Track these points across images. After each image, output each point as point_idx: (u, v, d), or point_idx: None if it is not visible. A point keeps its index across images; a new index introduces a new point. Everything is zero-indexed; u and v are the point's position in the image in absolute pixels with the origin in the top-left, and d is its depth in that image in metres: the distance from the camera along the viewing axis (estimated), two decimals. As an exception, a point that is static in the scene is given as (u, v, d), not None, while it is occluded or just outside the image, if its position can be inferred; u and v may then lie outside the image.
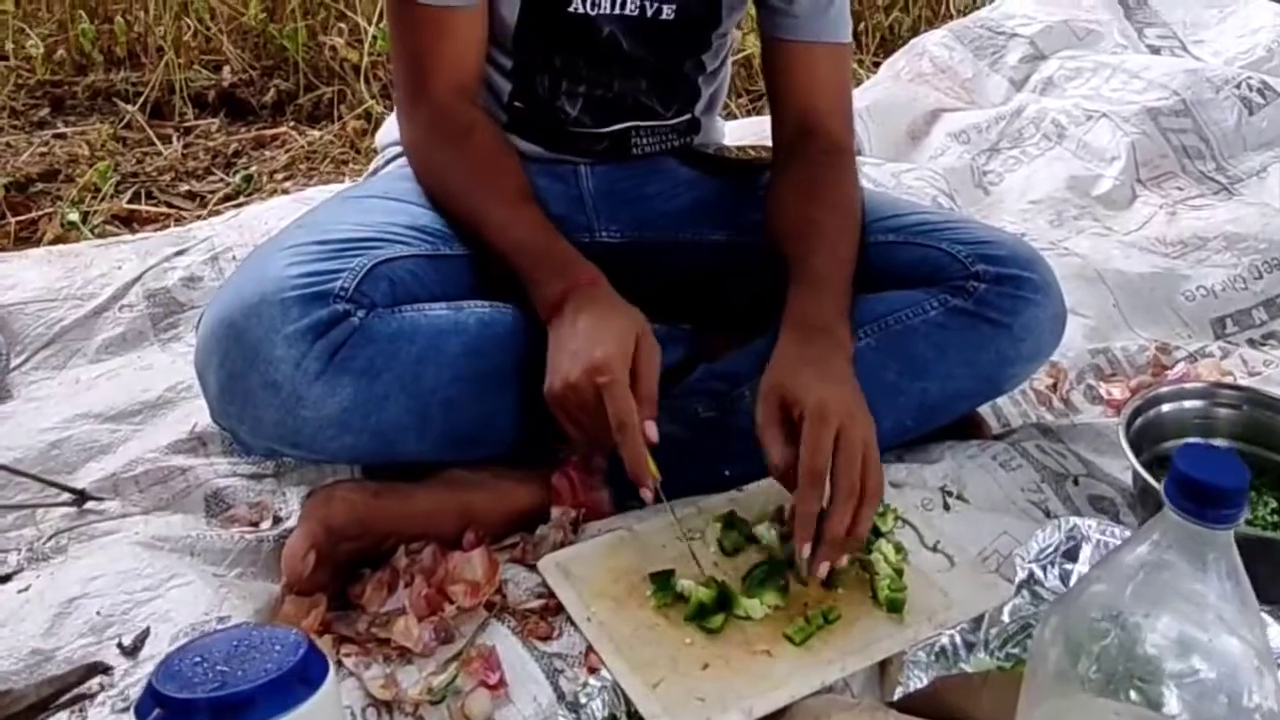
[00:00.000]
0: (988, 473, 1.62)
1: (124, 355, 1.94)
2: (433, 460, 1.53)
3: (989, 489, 1.60)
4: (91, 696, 1.27)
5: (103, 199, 2.68)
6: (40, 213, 2.64)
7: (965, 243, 1.62)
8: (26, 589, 1.41)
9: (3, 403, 1.82)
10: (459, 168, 1.61)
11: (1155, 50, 3.00)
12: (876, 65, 3.34)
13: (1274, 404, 1.65)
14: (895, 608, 1.35)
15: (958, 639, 1.30)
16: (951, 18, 3.57)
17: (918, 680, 1.26)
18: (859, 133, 2.69)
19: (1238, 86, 2.67)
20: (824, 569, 1.34)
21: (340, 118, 3.17)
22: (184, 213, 2.70)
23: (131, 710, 0.97)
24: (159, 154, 2.96)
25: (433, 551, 1.42)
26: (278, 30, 3.37)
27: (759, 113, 3.03)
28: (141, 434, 1.72)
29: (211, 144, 3.05)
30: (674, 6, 1.66)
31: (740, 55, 3.27)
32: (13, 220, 2.59)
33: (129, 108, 3.14)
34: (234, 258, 2.08)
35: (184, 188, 2.84)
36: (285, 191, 2.71)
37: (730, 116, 3.05)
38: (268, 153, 3.03)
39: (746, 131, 2.58)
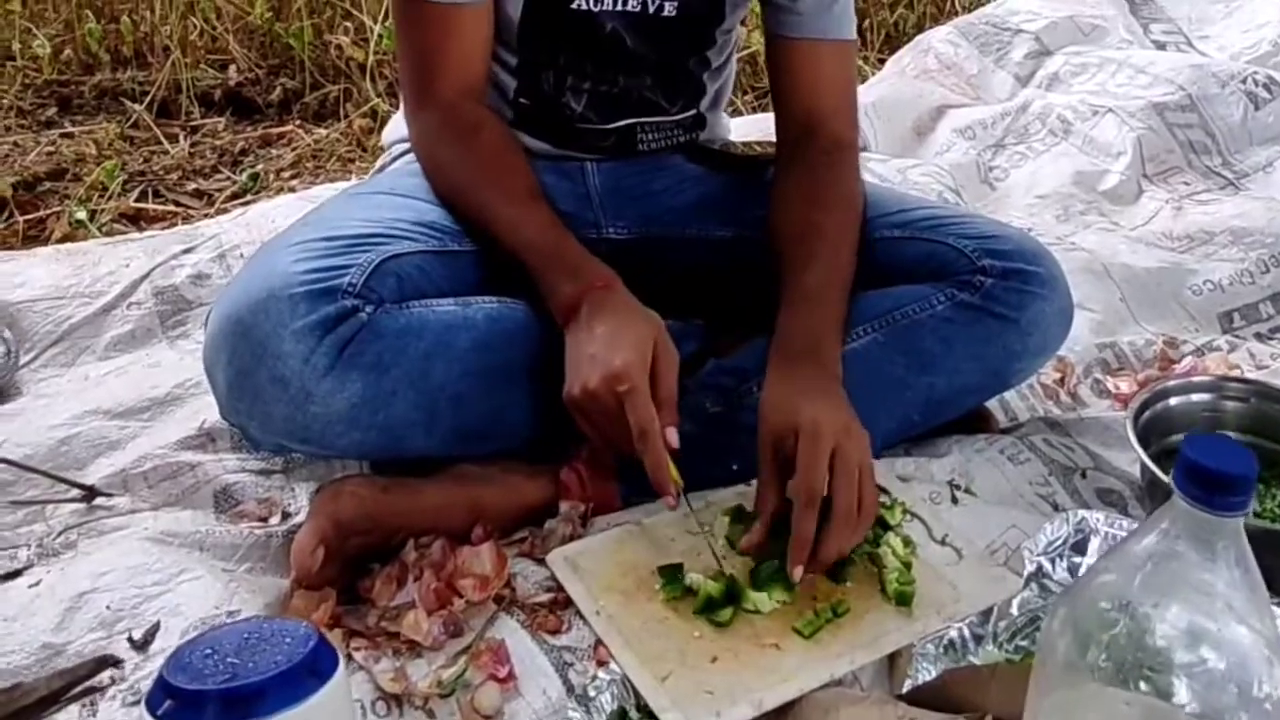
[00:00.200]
0: (995, 466, 1.62)
1: (132, 352, 1.95)
2: (441, 456, 1.53)
3: (997, 483, 1.60)
4: (102, 690, 1.27)
5: (110, 198, 2.68)
6: (48, 211, 2.64)
7: (972, 237, 1.62)
8: (37, 584, 1.41)
9: (12, 400, 1.82)
10: (467, 165, 1.62)
11: (1161, 46, 3.01)
12: (881, 62, 3.33)
13: (1282, 397, 1.65)
14: (904, 601, 1.35)
15: (966, 632, 1.30)
16: (956, 14, 3.57)
17: (926, 673, 1.26)
18: (864, 129, 2.70)
19: (1244, 82, 2.67)
20: (799, 574, 1.34)
21: (346, 116, 3.18)
22: (191, 211, 2.70)
23: (142, 703, 0.97)
24: (166, 153, 2.96)
25: (442, 546, 1.43)
26: (284, 29, 3.37)
27: (765, 110, 3.02)
28: (150, 430, 1.73)
29: (218, 143, 3.05)
30: (676, 3, 1.66)
31: (745, 53, 3.27)
32: (20, 219, 2.59)
33: (136, 107, 3.14)
34: (241, 255, 2.08)
35: (191, 186, 2.84)
36: (292, 190, 2.72)
37: (736, 114, 3.05)
38: (274, 151, 3.04)
39: (752, 128, 2.58)
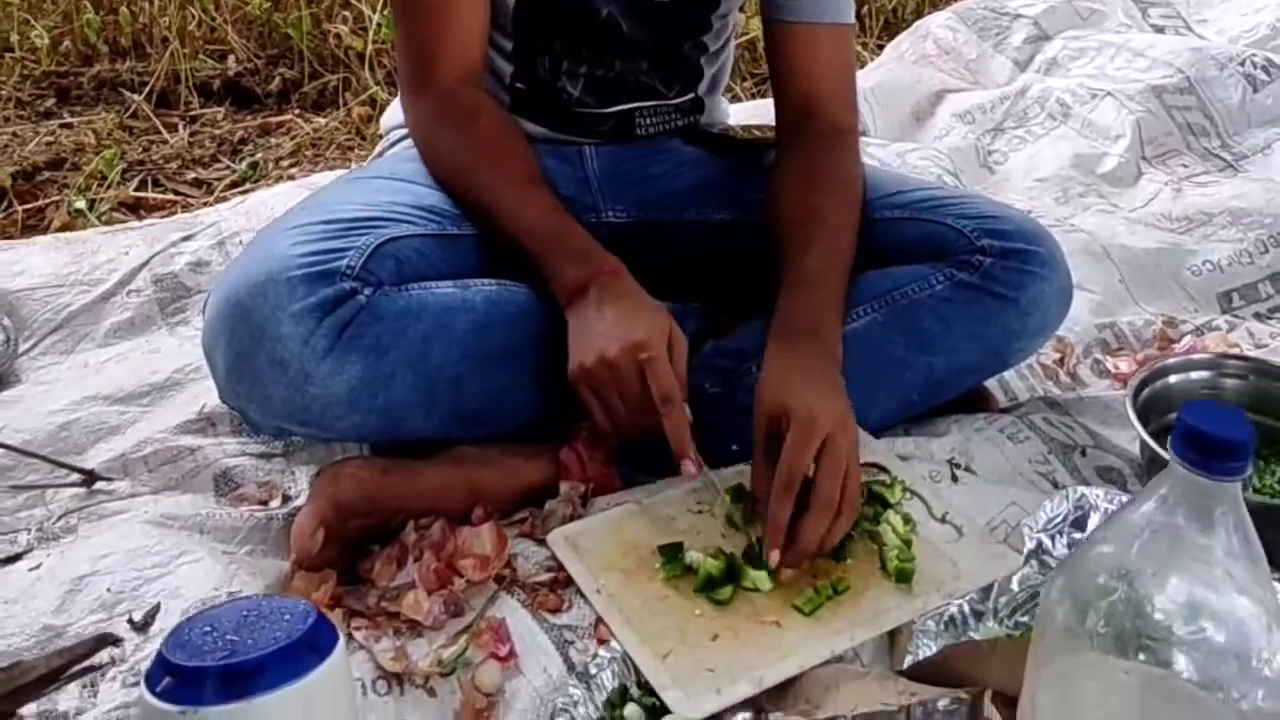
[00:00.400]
0: (995, 445, 1.62)
1: (132, 339, 1.95)
2: (441, 438, 1.54)
3: (996, 461, 1.60)
4: (103, 671, 1.27)
5: (109, 187, 2.68)
6: (47, 201, 2.64)
7: (971, 218, 1.62)
8: (37, 567, 1.42)
9: (12, 387, 1.82)
10: (468, 150, 1.62)
11: (1159, 29, 3.00)
12: (880, 48, 3.33)
13: (1281, 374, 1.65)
14: (904, 578, 1.36)
15: (966, 608, 1.31)
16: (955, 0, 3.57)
17: (927, 649, 1.26)
18: (864, 114, 2.69)
19: (1242, 64, 2.67)
20: (775, 557, 1.34)
21: (345, 105, 3.17)
22: (190, 200, 2.70)
23: (141, 680, 0.97)
24: (165, 142, 2.96)
25: (442, 526, 1.43)
26: (282, 19, 3.37)
27: (764, 96, 3.02)
28: (150, 415, 1.73)
29: (217, 132, 3.05)
30: None
31: (744, 38, 3.27)
32: (20, 209, 2.59)
33: (135, 97, 3.13)
34: (241, 242, 2.08)
35: (190, 175, 2.84)
36: (291, 178, 2.71)
37: (735, 100, 3.05)
38: (273, 140, 3.03)
39: (752, 114, 2.58)
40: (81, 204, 2.58)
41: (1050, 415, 1.69)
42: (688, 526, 1.44)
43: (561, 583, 1.38)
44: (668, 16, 1.70)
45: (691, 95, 1.81)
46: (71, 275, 2.02)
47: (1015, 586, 1.33)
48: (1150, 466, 1.54)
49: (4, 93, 3.16)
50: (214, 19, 3.43)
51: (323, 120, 3.12)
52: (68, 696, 1.25)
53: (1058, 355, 1.90)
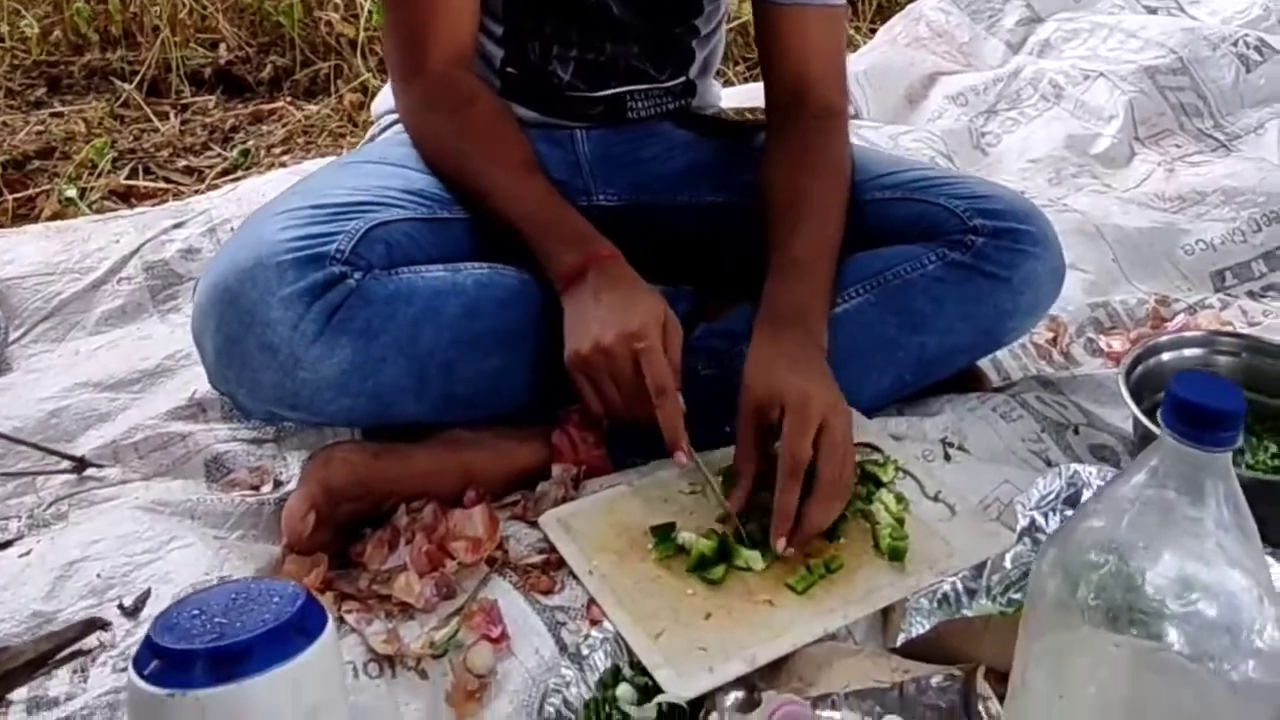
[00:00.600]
0: (988, 424, 1.62)
1: (123, 327, 1.95)
2: (433, 422, 1.53)
3: (989, 440, 1.60)
4: (93, 656, 1.27)
5: (100, 175, 2.67)
6: (38, 190, 2.63)
7: (963, 197, 1.62)
8: (27, 554, 1.42)
9: (2, 375, 1.82)
10: (462, 136, 1.61)
11: (1152, 10, 2.99)
12: (873, 31, 3.32)
13: (1273, 350, 1.65)
14: (897, 556, 1.36)
15: (959, 586, 1.31)
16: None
17: (920, 626, 1.26)
18: (857, 97, 2.69)
19: (1235, 44, 2.67)
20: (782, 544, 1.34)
21: (337, 92, 3.17)
22: (182, 188, 2.69)
23: (129, 664, 0.97)
24: (156, 130, 2.95)
25: (433, 509, 1.43)
26: (273, 6, 3.36)
27: (756, 79, 3.00)
28: (141, 402, 1.73)
29: (209, 120, 3.04)
30: None
31: (736, 22, 3.26)
32: (10, 197, 2.58)
33: (126, 86, 3.12)
34: (232, 229, 2.08)
35: (182, 163, 2.83)
36: (283, 165, 2.71)
37: (728, 84, 3.04)
38: (265, 127, 3.03)
39: (745, 98, 2.58)
40: (72, 192, 2.57)
41: (1043, 394, 1.69)
42: (680, 507, 1.44)
43: (554, 564, 1.38)
44: (658, 1, 1.69)
45: (683, 79, 1.81)
46: (62, 263, 2.02)
47: (1008, 564, 1.33)
48: (1143, 444, 1.54)
49: (-6, 83, 3.16)
50: (205, 7, 3.42)
51: (314, 107, 3.11)
52: (58, 682, 1.25)
53: (1051, 334, 1.90)
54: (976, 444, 1.58)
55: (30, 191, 2.63)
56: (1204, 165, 2.41)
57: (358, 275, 1.42)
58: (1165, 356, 1.65)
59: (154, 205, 2.41)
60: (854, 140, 1.74)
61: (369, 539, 1.41)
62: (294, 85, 3.25)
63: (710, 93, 1.90)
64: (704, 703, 1.18)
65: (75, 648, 1.27)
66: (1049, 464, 1.56)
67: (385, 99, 1.82)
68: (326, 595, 1.33)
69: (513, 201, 1.54)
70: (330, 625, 1.02)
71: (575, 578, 1.36)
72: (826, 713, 1.13)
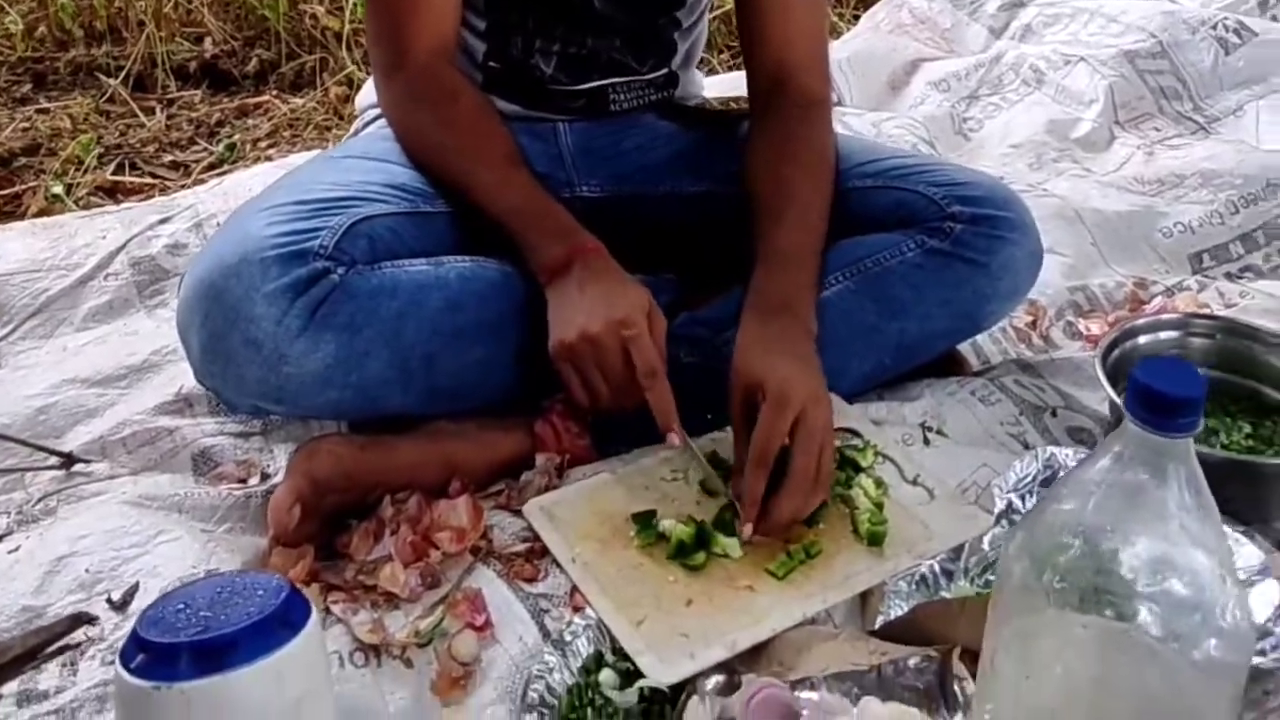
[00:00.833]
0: (967, 408, 1.63)
1: (110, 323, 1.95)
2: (418, 414, 1.54)
3: (968, 424, 1.61)
4: (82, 650, 1.29)
5: (86, 171, 2.68)
6: (24, 187, 2.64)
7: (941, 184, 1.63)
8: (16, 549, 1.43)
9: (-10, 372, 1.83)
10: (446, 131, 1.62)
11: (1132, -6, 3.00)
12: (856, 18, 3.33)
13: (1248, 332, 1.66)
14: (876, 540, 1.37)
15: (938, 568, 1.33)
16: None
17: (899, 609, 1.28)
18: (839, 84, 2.70)
19: (1214, 28, 2.67)
20: (748, 531, 1.36)
21: (322, 85, 3.17)
22: (168, 182, 2.70)
23: (116, 658, 0.99)
24: (142, 126, 2.96)
25: (418, 500, 1.44)
26: (258, 0, 3.37)
27: (740, 68, 3.02)
28: (128, 397, 1.74)
29: (194, 114, 3.05)
30: None
31: (719, 11, 3.27)
32: (-3, 195, 2.60)
33: (111, 81, 3.13)
34: (218, 224, 2.08)
35: (168, 158, 2.84)
36: (269, 159, 2.72)
37: (711, 73, 3.05)
38: (251, 121, 3.03)
39: (728, 86, 2.59)
40: (59, 189, 2.58)
41: (1022, 377, 1.71)
42: (662, 495, 1.45)
43: (537, 553, 1.40)
44: None
45: (665, 70, 1.81)
46: (49, 260, 2.03)
47: (986, 546, 1.35)
48: (1118, 426, 1.55)
49: (-21, 79, 3.16)
50: (190, 1, 3.42)
51: (300, 101, 3.12)
52: (48, 676, 1.26)
53: (1030, 318, 1.91)
54: (955, 427, 1.59)
55: (16, 188, 2.64)
56: (1183, 148, 2.41)
57: (341, 270, 1.43)
58: (1141, 339, 1.66)
59: (140, 201, 2.41)
60: (836, 128, 1.74)
61: (355, 530, 1.42)
62: (279, 79, 3.26)
63: (693, 83, 1.91)
64: (685, 687, 1.20)
65: (62, 642, 1.29)
66: (1026, 447, 1.56)
67: (368, 93, 1.83)
68: (313, 586, 1.34)
69: (496, 195, 1.55)
70: (314, 617, 1.03)
71: (559, 566, 1.37)
72: (805, 694, 1.14)
